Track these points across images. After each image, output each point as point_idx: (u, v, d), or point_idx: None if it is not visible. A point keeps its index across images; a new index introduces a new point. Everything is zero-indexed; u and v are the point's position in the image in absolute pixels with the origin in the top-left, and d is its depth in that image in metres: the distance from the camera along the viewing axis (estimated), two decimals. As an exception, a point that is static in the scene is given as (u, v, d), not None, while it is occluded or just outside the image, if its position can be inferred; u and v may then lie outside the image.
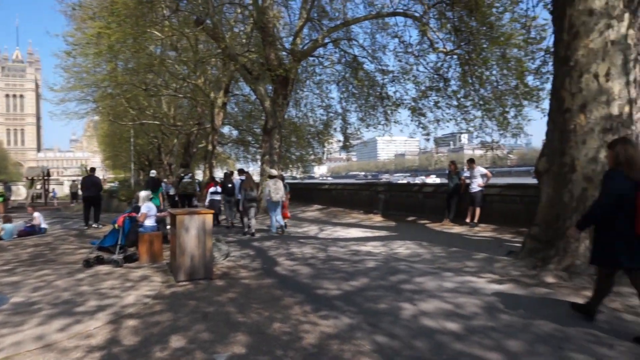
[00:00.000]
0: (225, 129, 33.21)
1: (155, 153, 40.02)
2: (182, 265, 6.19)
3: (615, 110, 5.96)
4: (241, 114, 30.83)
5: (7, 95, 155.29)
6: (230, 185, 12.73)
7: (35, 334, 4.21)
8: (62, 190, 43.80)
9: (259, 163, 22.05)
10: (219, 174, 29.50)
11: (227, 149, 37.30)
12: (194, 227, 6.21)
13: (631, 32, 6.05)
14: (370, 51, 19.20)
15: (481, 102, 15.76)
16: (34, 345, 3.94)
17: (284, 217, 11.66)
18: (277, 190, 10.97)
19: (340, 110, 22.53)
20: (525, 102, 15.08)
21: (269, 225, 11.52)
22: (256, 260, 7.84)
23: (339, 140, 26.28)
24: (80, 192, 17.82)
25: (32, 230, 11.78)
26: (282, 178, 12.88)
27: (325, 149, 28.27)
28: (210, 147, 24.10)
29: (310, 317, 4.57)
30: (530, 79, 13.96)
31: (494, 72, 15.03)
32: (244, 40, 19.37)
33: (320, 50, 19.48)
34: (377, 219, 14.21)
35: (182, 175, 13.40)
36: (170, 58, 23.35)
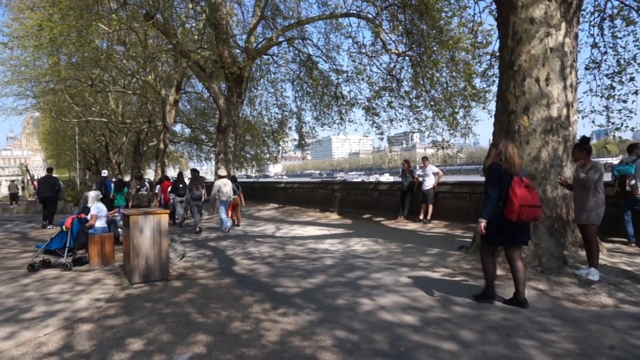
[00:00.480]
0: (178, 127, 32.43)
1: (103, 152, 38.38)
2: (137, 267, 6.04)
3: (554, 112, 6.39)
4: (194, 112, 30.19)
5: None
6: (181, 185, 12.61)
7: (-21, 343, 3.99)
8: (0, 191, 41.09)
9: (213, 162, 21.72)
10: (171, 173, 28.68)
11: (179, 147, 36.40)
12: (148, 227, 6.08)
13: (567, 40, 6.50)
14: (324, 51, 19.42)
15: (432, 103, 16.30)
16: (-21, 355, 3.74)
17: (234, 217, 12.35)
18: (225, 190, 11.37)
19: (295, 109, 22.59)
20: (473, 104, 15.78)
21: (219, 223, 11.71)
22: (213, 260, 7.76)
23: (294, 139, 26.37)
24: (20, 194, 16.89)
25: (-32, 234, 11.02)
26: (234, 179, 13.33)
27: (280, 148, 28.24)
28: (162, 146, 23.37)
29: (271, 315, 4.61)
30: (477, 82, 14.62)
31: (444, 74, 15.62)
32: (196, 37, 18.98)
33: (275, 49, 19.46)
34: (334, 216, 14.40)
35: (139, 187, 13.32)
36: (118, 53, 22.45)
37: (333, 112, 20.59)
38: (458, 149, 21.40)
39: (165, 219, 6.24)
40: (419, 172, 12.32)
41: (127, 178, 27.48)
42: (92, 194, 8.58)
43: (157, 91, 22.30)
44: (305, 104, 21.78)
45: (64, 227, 7.38)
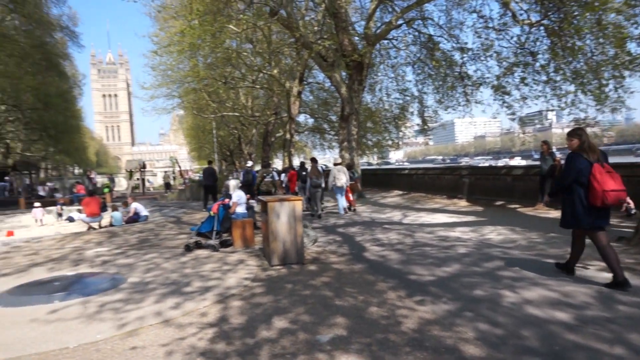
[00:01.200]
0: (301, 118, 33.83)
1: (236, 143, 41.78)
2: (275, 250, 6.46)
3: None
4: (316, 102, 31.17)
5: (103, 95, 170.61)
6: (304, 173, 13.33)
7: (154, 311, 4.64)
8: (156, 180, 47.42)
9: (337, 150, 22.22)
10: (297, 162, 30.23)
11: (303, 137, 37.97)
12: (284, 213, 6.44)
13: None
14: (446, 29, 18.45)
15: (574, 76, 14.51)
16: (155, 321, 4.35)
17: (348, 201, 13.01)
18: (340, 176, 12.20)
19: (416, 93, 21.96)
20: (626, 73, 13.65)
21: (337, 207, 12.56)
22: (343, 246, 7.96)
23: (416, 124, 25.71)
24: (172, 183, 19.19)
25: (136, 218, 12.92)
26: (350, 166, 14.06)
27: (401, 134, 27.79)
28: (287, 136, 24.66)
29: (406, 302, 4.58)
30: (632, 47, 12.59)
31: (588, 41, 13.75)
32: (316, 28, 19.49)
33: (394, 33, 19.06)
34: (462, 203, 13.76)
35: (265, 175, 14.42)
36: (246, 51, 24.16)
37: (457, 93, 19.59)
38: (606, 126, 18.79)
39: (299, 205, 6.55)
40: (559, 154, 11.10)
41: (257, 168, 29.55)
42: (233, 183, 9.41)
43: (282, 84, 23.47)
44: (427, 87, 21.07)
45: (211, 213, 8.21)
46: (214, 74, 23.51)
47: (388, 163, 76.84)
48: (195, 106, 32.26)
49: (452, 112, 20.91)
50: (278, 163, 39.48)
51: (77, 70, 52.80)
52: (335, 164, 12.84)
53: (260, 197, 8.46)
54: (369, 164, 39.79)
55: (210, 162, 17.38)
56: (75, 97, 48.48)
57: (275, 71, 22.99)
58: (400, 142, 28.45)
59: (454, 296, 4.71)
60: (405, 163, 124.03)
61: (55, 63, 35.05)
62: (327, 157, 49.73)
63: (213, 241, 8.02)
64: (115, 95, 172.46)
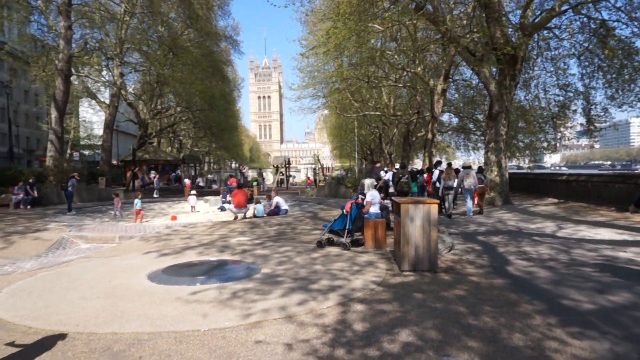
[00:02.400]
0: (445, 117, 32.40)
1: (377, 143, 41.93)
2: (406, 255, 6.10)
3: None
4: (462, 100, 29.50)
5: (258, 97, 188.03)
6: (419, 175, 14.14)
7: (279, 304, 4.70)
8: (299, 176, 50.29)
9: (482, 151, 20.64)
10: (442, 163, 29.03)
11: (446, 137, 36.35)
12: (418, 217, 6.04)
13: None
14: (625, 11, 15.64)
15: None
16: (278, 315, 4.39)
17: (476, 204, 13.20)
18: (469, 179, 12.58)
19: (581, 89, 19.16)
20: None
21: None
22: (483, 256, 7.21)
23: (580, 124, 22.52)
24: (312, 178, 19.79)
25: (277, 211, 13.68)
26: (481, 169, 14.53)
27: (559, 135, 24.67)
28: (429, 136, 23.72)
29: (557, 333, 3.84)
30: None
31: None
32: (465, 22, 18.29)
33: (556, 21, 16.85)
34: (638, 218, 11.51)
35: (400, 176, 14.04)
36: (390, 49, 23.90)
37: (637, 87, 16.56)
38: None
39: (434, 209, 6.08)
40: None
41: (396, 166, 29.11)
42: (368, 182, 9.25)
43: (426, 82, 22.66)
44: (595, 82, 18.22)
45: (344, 211, 8.17)
46: (358, 73, 23.80)
47: (541, 167, 69.19)
48: (338, 105, 33.22)
49: (628, 110, 17.80)
50: (418, 163, 38.50)
51: (238, 74, 58.84)
52: (464, 167, 13.18)
53: (393, 198, 8.15)
54: (519, 167, 36.26)
55: (374, 163, 17.65)
56: (235, 99, 54.06)
57: (419, 69, 22.30)
58: (557, 144, 25.31)
59: (622, 333, 3.81)
60: (563, 168, 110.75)
61: (220, 69, 39.40)
62: (471, 159, 46.87)
63: (344, 239, 7.98)
64: (269, 97, 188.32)
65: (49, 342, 3.83)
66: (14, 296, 5.36)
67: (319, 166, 47.54)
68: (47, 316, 4.49)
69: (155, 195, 23.78)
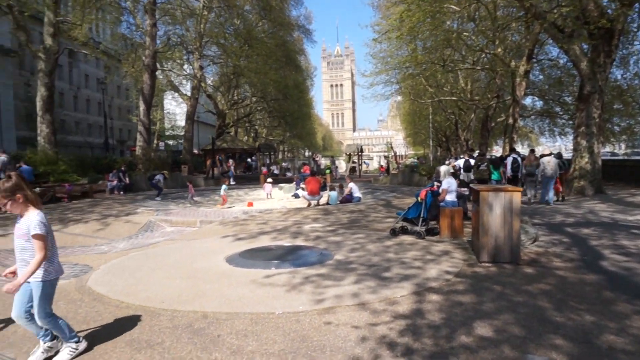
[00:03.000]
0: (528, 100, 30.33)
1: (452, 129, 40.37)
2: (485, 245, 5.80)
3: None
4: (547, 82, 27.41)
5: (331, 86, 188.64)
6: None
7: (351, 291, 4.69)
8: (372, 164, 49.97)
9: (570, 137, 19.06)
10: (520, 149, 27.24)
11: (529, 122, 34.09)
12: (499, 205, 5.70)
13: None
14: None
15: None
16: (351, 302, 4.37)
17: (556, 191, 12.71)
18: (549, 166, 12.15)
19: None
20: None
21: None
22: (572, 249, 6.66)
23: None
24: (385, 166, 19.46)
25: (350, 198, 13.68)
26: (560, 156, 14.05)
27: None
28: (510, 121, 22.33)
29: (662, 336, 3.44)
30: None
31: None
32: (552, -5, 16.87)
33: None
34: None
35: (479, 163, 13.42)
36: (467, 31, 22.73)
37: None
38: None
39: (517, 197, 5.70)
40: None
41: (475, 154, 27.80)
42: (444, 169, 8.93)
43: (507, 63, 21.29)
44: None
45: (419, 199, 7.95)
46: (433, 57, 22.94)
47: (641, 154, 62.46)
48: (412, 91, 32.39)
49: None
50: (498, 151, 36.54)
51: (310, 63, 59.33)
52: (543, 155, 12.70)
53: (472, 186, 7.78)
54: (613, 153, 33.14)
55: (471, 151, 17.12)
56: (307, 88, 54.69)
57: (499, 50, 20.99)
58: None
59: None
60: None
61: (293, 58, 39.99)
62: (557, 145, 43.61)
63: (419, 228, 7.77)
64: (341, 85, 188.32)
65: (138, 315, 4.13)
66: (109, 273, 5.85)
67: (392, 154, 46.85)
68: (136, 293, 4.85)
69: (232, 183, 24.85)
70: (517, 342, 3.36)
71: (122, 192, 17.72)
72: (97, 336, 3.66)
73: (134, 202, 14.35)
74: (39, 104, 19.60)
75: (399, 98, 44.92)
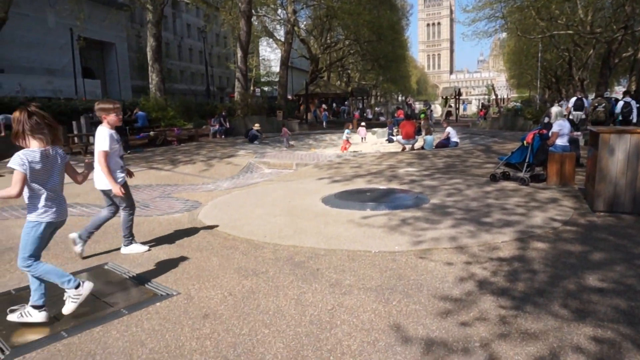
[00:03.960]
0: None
1: (565, 68, 36.25)
2: (602, 193, 5.27)
3: None
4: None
5: (427, 25, 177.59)
6: None
7: (449, 234, 4.59)
8: (470, 108, 47.18)
9: None
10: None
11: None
12: (622, 149, 5.08)
13: None
14: None
15: None
16: (449, 245, 4.29)
17: None
18: None
19: None
20: None
21: None
22: None
23: None
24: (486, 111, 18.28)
25: (446, 143, 13.16)
26: None
27: None
28: None
29: None
30: None
31: None
32: None
33: None
34: None
35: (596, 105, 11.97)
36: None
37: None
38: None
39: (644, 140, 5.03)
40: None
41: (591, 96, 24.85)
42: (555, 110, 8.13)
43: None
44: None
45: (524, 142, 7.38)
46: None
47: None
48: (519, 26, 29.27)
49: None
50: (619, 92, 32.29)
51: (406, 1, 56.05)
52: None
53: (590, 128, 7.01)
54: None
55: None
56: (402, 28, 52.06)
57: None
58: None
59: None
60: None
61: (388, -4, 38.02)
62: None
63: (523, 174, 7.27)
64: (439, 24, 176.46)
65: (243, 247, 4.47)
66: (216, 209, 6.35)
67: (493, 97, 43.69)
68: (241, 227, 5.23)
69: (324, 127, 25.11)
70: (633, 295, 3.08)
71: (223, 136, 18.81)
72: (209, 263, 4.04)
73: (234, 146, 15.18)
74: (149, 54, 21.12)
75: (504, 35, 40.94)
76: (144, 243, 4.58)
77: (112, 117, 4.01)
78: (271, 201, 6.67)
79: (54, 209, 2.96)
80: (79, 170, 3.27)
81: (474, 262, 3.82)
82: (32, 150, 2.82)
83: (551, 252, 4.02)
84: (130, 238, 4.40)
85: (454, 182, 7.66)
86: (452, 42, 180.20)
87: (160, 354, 2.53)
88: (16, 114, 2.85)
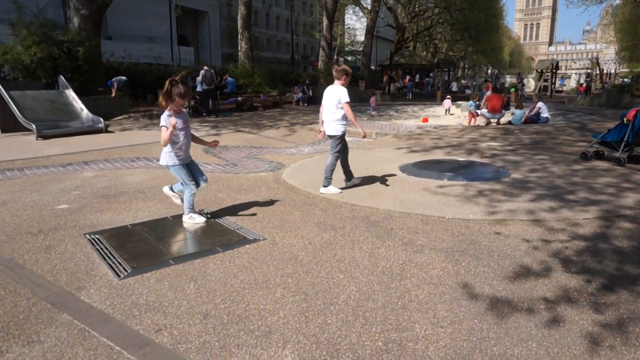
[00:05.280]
0: None
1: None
2: None
3: None
4: None
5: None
6: None
7: (526, 208, 4.55)
8: (569, 83, 43.41)
9: None
10: None
11: None
12: None
13: None
14: None
15: None
16: (525, 217, 4.28)
17: None
18: None
19: None
20: None
21: None
22: None
23: None
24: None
25: (536, 119, 12.47)
26: None
27: None
28: None
29: None
30: None
31: None
32: None
33: None
34: None
35: None
36: None
37: None
38: None
39: None
40: None
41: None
42: (664, 86, 7.39)
43: None
44: None
45: (625, 119, 6.86)
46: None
47: None
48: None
49: None
50: None
51: (505, -35, 51.85)
52: None
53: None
54: None
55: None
56: (498, -6, 48.54)
57: None
58: None
59: None
60: None
61: (484, -40, 35.54)
62: None
63: (619, 154, 6.80)
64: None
65: (323, 204, 4.80)
66: (298, 170, 6.75)
67: (597, 71, 39.75)
68: (319, 187, 5.55)
69: (408, 98, 24.66)
70: None
71: (306, 104, 19.30)
72: (292, 216, 4.41)
73: (316, 113, 15.53)
74: (239, 22, 21.95)
75: (617, 1, 36.71)
76: (233, 196, 5.08)
77: (347, 80, 5.24)
78: (350, 166, 6.91)
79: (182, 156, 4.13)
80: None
81: (550, 235, 3.80)
82: (167, 111, 3.94)
83: (637, 231, 3.86)
84: (329, 180, 5.31)
85: (540, 158, 7.37)
86: (554, 11, 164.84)
87: (250, 284, 2.94)
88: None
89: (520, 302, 2.67)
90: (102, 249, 3.58)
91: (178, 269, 3.19)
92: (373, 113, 16.55)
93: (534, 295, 2.74)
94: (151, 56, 29.44)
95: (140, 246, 3.60)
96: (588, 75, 39.65)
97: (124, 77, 15.37)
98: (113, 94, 14.65)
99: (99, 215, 4.50)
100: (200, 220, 4.20)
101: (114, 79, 14.97)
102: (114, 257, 3.39)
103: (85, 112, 11.39)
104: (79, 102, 11.56)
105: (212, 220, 4.33)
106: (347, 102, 5.11)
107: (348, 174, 5.56)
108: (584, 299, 2.69)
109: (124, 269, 3.20)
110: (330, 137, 5.34)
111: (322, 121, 5.42)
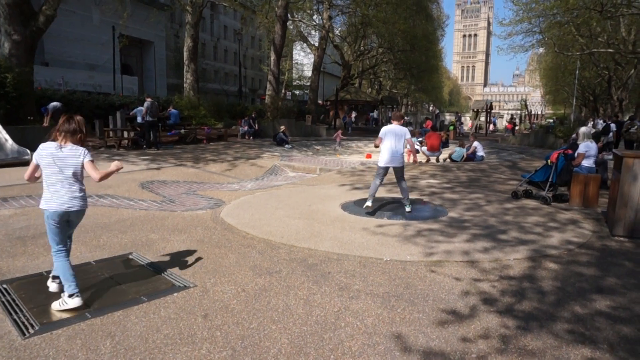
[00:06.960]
0: None
1: (604, 87, 35.29)
2: (622, 218, 5.22)
3: None
4: None
5: (463, 36, 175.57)
6: None
7: (462, 248, 4.66)
8: (501, 123, 46.41)
9: None
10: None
11: None
12: (644, 174, 5.03)
13: None
14: None
15: None
16: (460, 258, 4.36)
17: None
18: None
19: None
20: None
21: None
22: None
23: None
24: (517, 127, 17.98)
25: (472, 157, 13.08)
26: None
27: None
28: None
29: None
30: None
31: None
32: None
33: None
34: None
35: (629, 126, 11.74)
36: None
37: None
38: None
39: (670, 167, 4.96)
40: None
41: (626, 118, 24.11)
42: (584, 130, 8.01)
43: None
44: None
45: (549, 161, 7.33)
46: (588, 2, 19.95)
47: None
48: (558, 42, 28.71)
49: None
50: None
51: (442, 12, 55.65)
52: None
53: (615, 151, 6.91)
54: None
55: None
56: (437, 39, 51.60)
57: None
58: None
59: None
60: None
61: (424, 7, 37.83)
62: None
63: (545, 193, 7.22)
64: (475, 35, 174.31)
65: (260, 246, 4.65)
66: (238, 208, 6.58)
67: (525, 112, 42.86)
68: (260, 227, 5.42)
69: (349, 132, 25.22)
70: (641, 322, 3.09)
71: (251, 137, 19.18)
72: (227, 259, 4.23)
73: (261, 147, 15.48)
74: (185, 54, 21.75)
75: (541, 50, 40.17)
76: (167, 237, 4.83)
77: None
78: (292, 204, 6.85)
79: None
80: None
81: (482, 277, 3.88)
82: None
83: (562, 273, 4.03)
84: (409, 199, 6.39)
85: (475, 196, 7.67)
86: (487, 55, 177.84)
87: (174, 340, 2.73)
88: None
89: (452, 352, 2.64)
90: (8, 301, 3.22)
91: (95, 323, 2.91)
92: (337, 147, 17.09)
93: (467, 345, 2.74)
94: (90, 84, 28.38)
95: (54, 297, 3.27)
96: (512, 116, 42.70)
97: (59, 103, 14.60)
98: (46, 123, 13.83)
99: (10, 260, 4.09)
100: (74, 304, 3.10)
101: (48, 106, 14.18)
102: (21, 312, 3.06)
103: (10, 143, 10.61)
104: (3, 132, 10.77)
105: (141, 265, 4.06)
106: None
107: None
108: (514, 347, 2.72)
109: (32, 324, 2.88)
110: (396, 168, 6.54)
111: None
